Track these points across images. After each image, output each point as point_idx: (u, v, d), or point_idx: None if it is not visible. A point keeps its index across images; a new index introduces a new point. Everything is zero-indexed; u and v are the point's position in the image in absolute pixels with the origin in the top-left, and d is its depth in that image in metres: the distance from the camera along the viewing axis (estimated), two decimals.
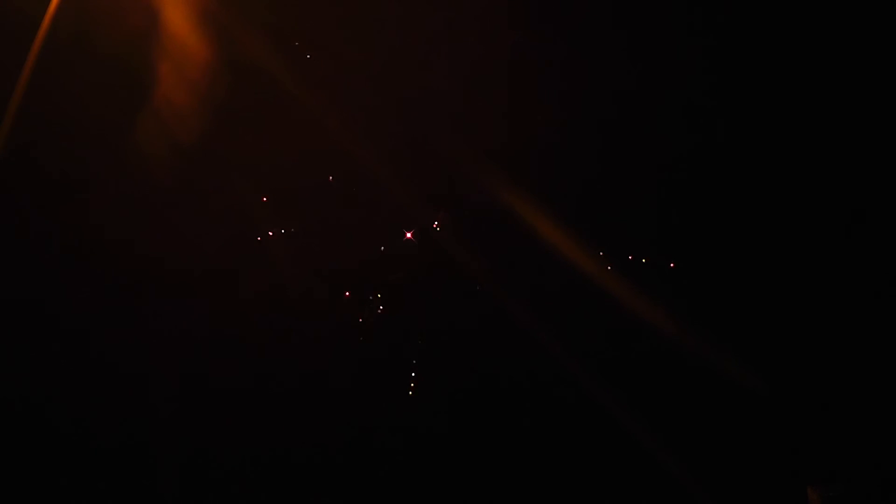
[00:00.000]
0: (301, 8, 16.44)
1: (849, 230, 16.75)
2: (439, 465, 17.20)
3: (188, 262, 17.05)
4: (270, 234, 17.66)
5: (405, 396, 17.51)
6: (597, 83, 17.40)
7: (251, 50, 16.02)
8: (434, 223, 18.15)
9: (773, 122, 17.01)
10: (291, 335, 17.69)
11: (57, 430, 16.30)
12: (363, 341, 18.07)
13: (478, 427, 17.53)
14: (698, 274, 17.68)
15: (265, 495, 17.08)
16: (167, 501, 16.79)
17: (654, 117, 17.21)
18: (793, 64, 16.75)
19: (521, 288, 17.92)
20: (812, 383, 16.47)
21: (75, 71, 14.94)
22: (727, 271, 17.58)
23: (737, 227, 17.46)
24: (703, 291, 17.51)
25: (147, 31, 14.89)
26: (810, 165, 16.77)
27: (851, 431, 16.04)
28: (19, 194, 15.23)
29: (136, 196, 16.52)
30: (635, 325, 17.16)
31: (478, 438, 17.41)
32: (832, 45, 16.42)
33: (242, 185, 17.14)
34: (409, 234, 18.19)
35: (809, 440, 16.18)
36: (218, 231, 17.17)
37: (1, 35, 13.18)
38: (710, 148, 17.20)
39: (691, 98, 17.06)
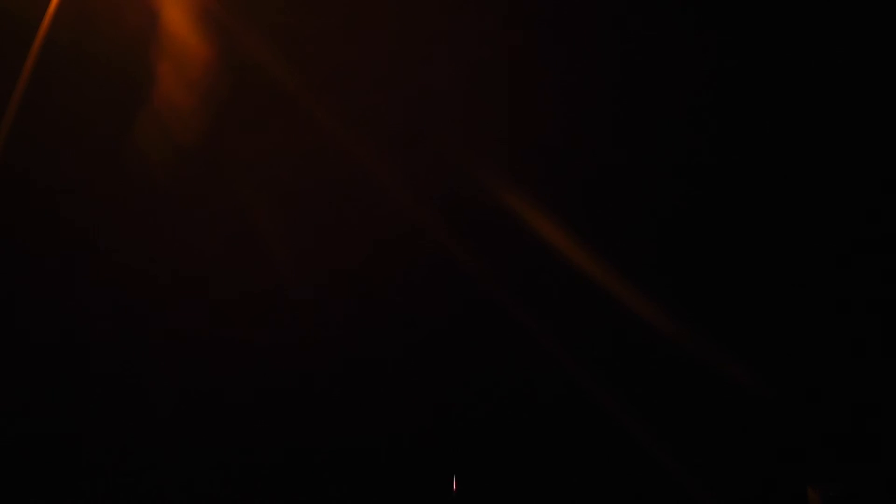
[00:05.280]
0: (301, 7, 16.36)
1: (850, 231, 16.79)
2: (438, 467, 17.23)
3: (188, 264, 17.02)
4: (270, 235, 17.61)
5: (405, 398, 17.48)
6: (599, 83, 17.38)
7: (251, 50, 15.95)
8: (434, 224, 18.11)
9: (777, 122, 17.02)
10: (291, 337, 17.67)
11: (54, 435, 16.26)
12: (363, 342, 18.03)
13: (477, 428, 17.57)
14: (698, 273, 17.69)
15: (264, 497, 17.08)
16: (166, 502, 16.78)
17: (657, 117, 17.20)
18: (799, 64, 16.75)
19: (521, 288, 17.92)
20: (812, 383, 16.51)
21: (74, 73, 14.88)
22: (728, 270, 17.60)
23: (738, 226, 17.48)
24: (704, 290, 17.52)
25: (147, 32, 14.82)
26: (814, 166, 16.79)
27: (851, 431, 16.09)
28: (19, 196, 15.19)
29: (136, 198, 16.48)
30: (635, 325, 17.17)
31: (477, 440, 17.45)
32: (834, 46, 16.43)
33: (243, 186, 17.09)
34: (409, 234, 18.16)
35: (809, 440, 16.22)
36: (218, 232, 17.13)
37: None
38: (713, 148, 17.21)
39: (694, 98, 17.05)
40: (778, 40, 16.96)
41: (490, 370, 17.75)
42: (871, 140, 16.60)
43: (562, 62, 17.28)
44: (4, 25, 12.99)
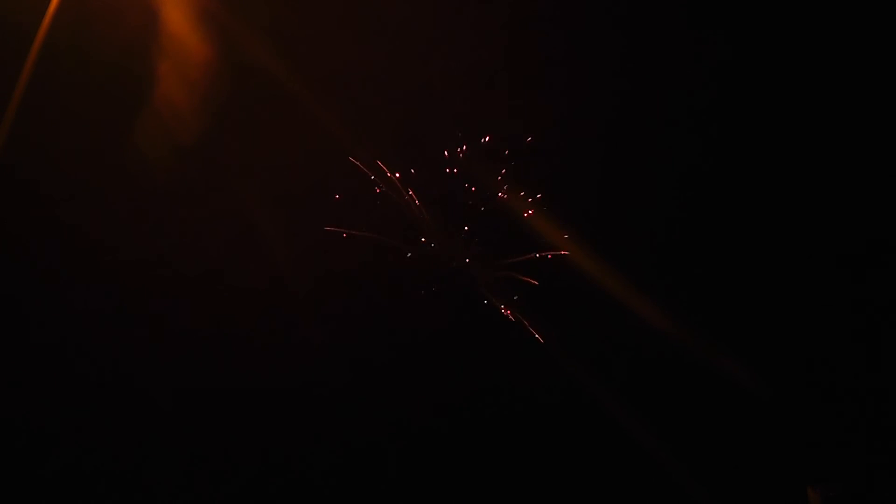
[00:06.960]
0: (301, 9, 16.35)
1: (849, 234, 16.80)
2: (438, 468, 17.27)
3: (188, 263, 17.04)
4: (270, 234, 17.63)
5: (405, 398, 17.50)
6: (597, 83, 17.37)
7: (250, 50, 15.94)
8: (434, 221, 18.13)
9: (775, 123, 17.01)
10: (290, 335, 17.71)
11: (56, 431, 16.30)
12: (362, 341, 18.05)
13: (478, 430, 17.61)
14: (699, 275, 17.69)
15: (263, 496, 17.12)
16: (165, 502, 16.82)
17: (655, 117, 17.20)
18: (796, 65, 16.74)
19: (521, 287, 17.94)
20: (812, 384, 16.55)
21: (74, 73, 14.88)
22: (728, 273, 17.62)
23: (737, 228, 17.49)
24: (705, 292, 17.53)
25: (147, 32, 14.81)
26: (813, 167, 16.79)
27: (851, 431, 16.12)
28: (20, 194, 15.24)
29: (136, 197, 16.51)
30: (636, 326, 17.18)
31: (478, 441, 17.50)
32: (835, 47, 16.41)
33: (242, 185, 17.11)
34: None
35: (809, 440, 16.26)
36: (218, 231, 17.15)
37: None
38: (712, 149, 17.22)
39: (692, 98, 17.04)
40: (782, 41, 16.96)
41: (490, 371, 17.79)
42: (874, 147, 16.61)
43: (562, 62, 17.28)
44: (4, 26, 12.98)
